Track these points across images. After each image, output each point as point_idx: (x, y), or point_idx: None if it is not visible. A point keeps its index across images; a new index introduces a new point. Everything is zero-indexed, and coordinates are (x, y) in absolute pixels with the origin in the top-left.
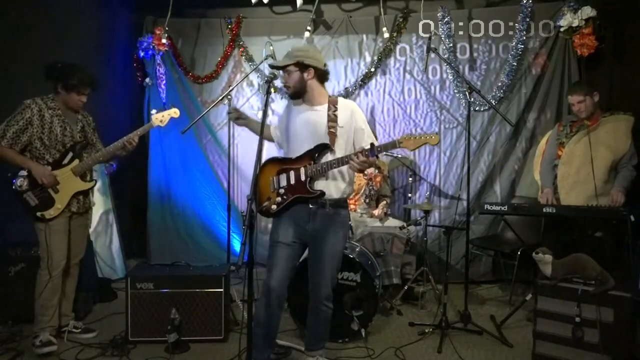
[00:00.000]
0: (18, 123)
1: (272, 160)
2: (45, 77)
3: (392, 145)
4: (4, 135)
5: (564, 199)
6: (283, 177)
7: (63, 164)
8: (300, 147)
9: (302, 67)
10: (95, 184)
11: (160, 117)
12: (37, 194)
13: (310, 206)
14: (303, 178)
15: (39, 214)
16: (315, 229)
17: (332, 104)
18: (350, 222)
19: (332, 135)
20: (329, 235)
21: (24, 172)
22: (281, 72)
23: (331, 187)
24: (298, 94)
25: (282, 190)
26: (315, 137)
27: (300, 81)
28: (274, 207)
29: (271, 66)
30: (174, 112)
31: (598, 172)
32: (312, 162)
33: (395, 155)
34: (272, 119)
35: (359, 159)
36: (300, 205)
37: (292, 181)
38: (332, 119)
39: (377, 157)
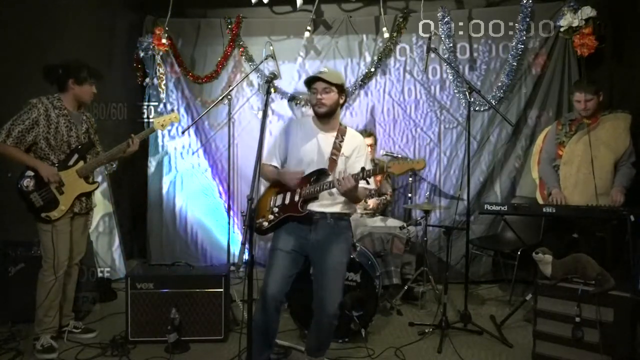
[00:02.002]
0: (24, 122)
1: (277, 183)
2: (51, 78)
3: (381, 169)
4: (9, 134)
5: (567, 200)
6: (280, 197)
7: (68, 165)
8: (304, 169)
9: (341, 90)
10: (98, 186)
11: (161, 122)
12: (43, 195)
13: (313, 217)
14: (297, 199)
15: (44, 215)
16: (318, 240)
17: (341, 133)
18: (353, 240)
19: (333, 162)
20: (332, 248)
21: (30, 173)
22: (302, 89)
23: (323, 209)
24: (328, 115)
25: (275, 209)
26: (319, 162)
27: (336, 103)
28: (265, 224)
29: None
30: (174, 117)
31: (600, 172)
32: (309, 185)
33: (395, 155)
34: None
35: (344, 179)
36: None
37: (287, 201)
38: (337, 147)
39: (367, 181)
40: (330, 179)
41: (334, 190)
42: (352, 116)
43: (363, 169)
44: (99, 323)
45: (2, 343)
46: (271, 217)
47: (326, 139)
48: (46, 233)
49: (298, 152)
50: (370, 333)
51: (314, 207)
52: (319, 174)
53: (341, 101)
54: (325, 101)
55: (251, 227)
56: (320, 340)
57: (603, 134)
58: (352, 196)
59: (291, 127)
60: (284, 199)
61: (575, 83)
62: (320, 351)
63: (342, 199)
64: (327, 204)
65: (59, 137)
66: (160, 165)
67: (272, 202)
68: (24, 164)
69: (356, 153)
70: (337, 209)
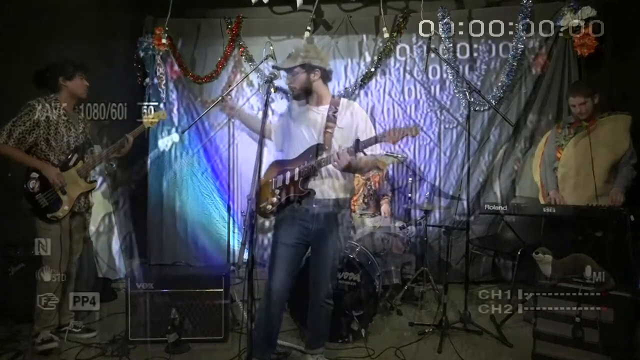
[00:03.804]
0: (25, 124)
1: (276, 163)
2: (42, 82)
3: (375, 139)
4: (10, 135)
5: (565, 201)
6: (280, 178)
7: (69, 165)
8: (299, 147)
9: (309, 68)
10: (96, 185)
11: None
12: (48, 196)
13: (314, 206)
14: (296, 178)
15: (49, 215)
16: (319, 229)
17: (334, 104)
18: (352, 222)
19: (328, 135)
20: (332, 235)
21: (35, 174)
22: (284, 72)
23: (324, 186)
24: (303, 96)
25: (277, 191)
26: (313, 138)
27: (306, 82)
28: (269, 207)
29: (276, 67)
30: (162, 115)
31: (599, 173)
32: (306, 162)
33: (394, 155)
34: (272, 119)
35: (340, 156)
36: (302, 205)
37: (287, 181)
38: (331, 120)
39: (364, 153)
40: (327, 154)
41: (336, 169)
42: None
43: (357, 140)
44: (99, 323)
45: (2, 343)
46: (274, 199)
47: (319, 114)
48: (50, 232)
49: (295, 129)
50: (370, 333)
51: (315, 188)
52: (316, 149)
53: (314, 77)
54: (293, 84)
55: (251, 227)
56: (317, 328)
57: (602, 136)
58: (354, 170)
59: (288, 108)
60: (284, 179)
61: (571, 86)
62: (318, 342)
63: (342, 179)
64: (328, 187)
65: (59, 137)
66: (160, 165)
67: (273, 184)
68: (26, 165)
69: (355, 123)
70: (338, 193)
